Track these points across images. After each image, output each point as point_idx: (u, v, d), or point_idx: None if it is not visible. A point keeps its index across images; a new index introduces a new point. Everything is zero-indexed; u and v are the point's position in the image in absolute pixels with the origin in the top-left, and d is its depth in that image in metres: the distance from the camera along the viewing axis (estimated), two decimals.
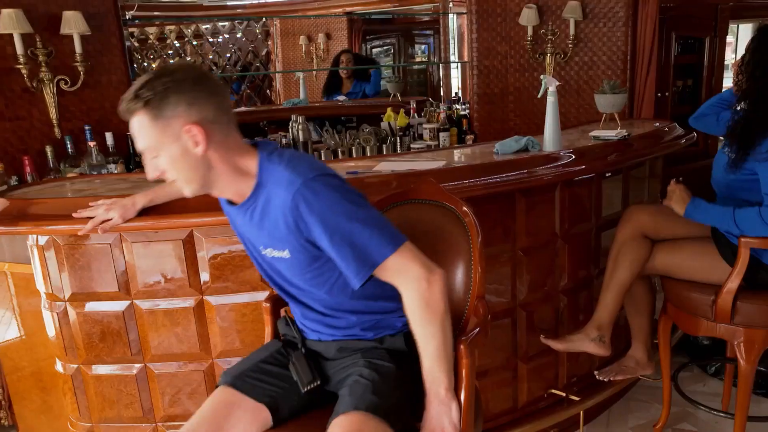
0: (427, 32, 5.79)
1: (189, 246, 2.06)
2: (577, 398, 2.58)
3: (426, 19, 5.63)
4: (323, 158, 3.61)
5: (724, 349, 2.81)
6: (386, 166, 2.35)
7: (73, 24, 3.20)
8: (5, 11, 3.01)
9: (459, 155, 2.70)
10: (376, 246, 1.34)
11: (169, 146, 1.37)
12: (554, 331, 2.56)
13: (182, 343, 2.14)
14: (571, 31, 3.59)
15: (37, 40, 3.14)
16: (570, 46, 3.63)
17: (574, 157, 2.39)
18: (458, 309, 1.68)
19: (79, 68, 3.27)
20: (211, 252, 2.06)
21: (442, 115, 3.81)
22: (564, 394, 2.59)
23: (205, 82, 1.39)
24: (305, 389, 1.55)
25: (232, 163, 1.42)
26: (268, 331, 1.72)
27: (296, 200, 1.34)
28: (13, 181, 3.02)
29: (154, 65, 5.27)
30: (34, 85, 3.17)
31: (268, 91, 6.04)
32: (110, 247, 2.05)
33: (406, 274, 1.37)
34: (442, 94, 5.11)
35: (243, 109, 5.51)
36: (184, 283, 2.08)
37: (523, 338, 2.47)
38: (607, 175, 2.64)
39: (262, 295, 2.06)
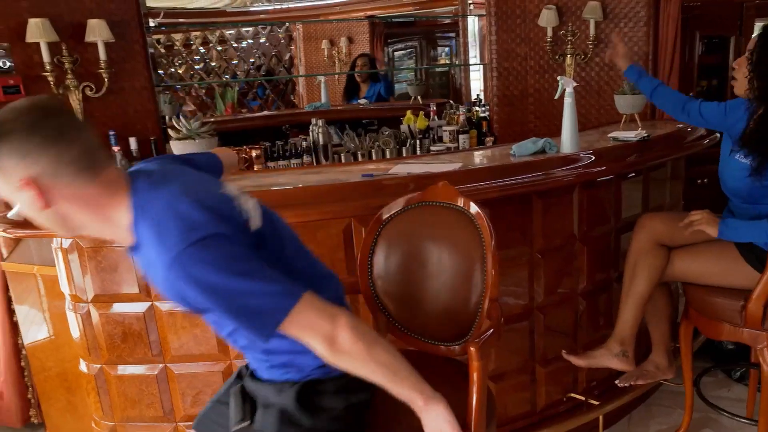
0: (450, 34, 5.79)
1: None
2: (596, 402, 2.56)
3: (447, 21, 5.63)
4: (343, 160, 3.64)
5: (748, 354, 2.76)
6: (402, 169, 2.36)
7: (97, 32, 3.27)
8: (32, 21, 3.08)
9: (477, 157, 2.70)
10: (269, 309, 1.20)
11: (15, 198, 1.21)
12: (573, 335, 2.54)
13: (201, 344, 2.17)
14: (591, 31, 3.56)
15: (63, 48, 3.21)
16: (590, 46, 3.59)
17: (592, 158, 2.37)
18: (471, 311, 1.68)
19: (104, 75, 3.34)
20: None
21: (462, 118, 3.81)
22: (583, 398, 2.57)
23: (43, 129, 1.15)
24: (232, 430, 1.42)
25: (96, 215, 1.23)
26: None
27: (172, 279, 1.16)
28: None
29: (180, 71, 5.36)
30: (61, 92, 3.24)
31: (291, 95, 6.10)
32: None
33: (309, 331, 1.23)
34: (463, 96, 5.11)
35: (266, 113, 5.57)
36: None
37: (540, 341, 2.46)
38: (630, 175, 2.61)
39: None
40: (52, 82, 3.19)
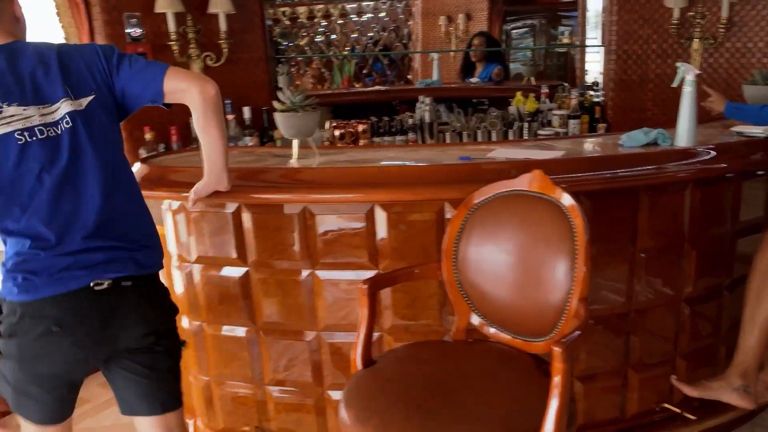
0: (573, 13, 5.53)
1: (302, 220, 2.14)
2: (693, 417, 2.39)
3: None
4: (448, 140, 3.60)
5: None
6: (503, 153, 2.30)
7: (219, 3, 3.42)
8: None
9: (583, 145, 2.57)
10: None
11: None
12: (673, 342, 2.38)
13: (291, 313, 2.24)
14: (724, 13, 3.25)
15: (188, 18, 3.39)
16: (721, 30, 3.29)
17: (712, 154, 2.19)
18: (557, 308, 1.62)
19: (223, 46, 3.50)
20: (322, 228, 2.13)
21: (573, 102, 3.64)
22: (679, 411, 2.41)
23: None
24: None
25: None
26: (364, 313, 1.75)
27: None
28: (161, 147, 3.31)
29: (302, 43, 5.50)
30: (184, 60, 3.42)
31: (407, 71, 6.10)
32: (230, 216, 2.19)
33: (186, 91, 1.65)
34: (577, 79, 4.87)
35: (377, 88, 5.61)
36: (296, 257, 2.18)
37: (636, 345, 2.32)
38: (757, 173, 2.39)
39: (366, 275, 2.11)
40: (176, 51, 3.38)
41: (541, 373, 1.61)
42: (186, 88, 1.64)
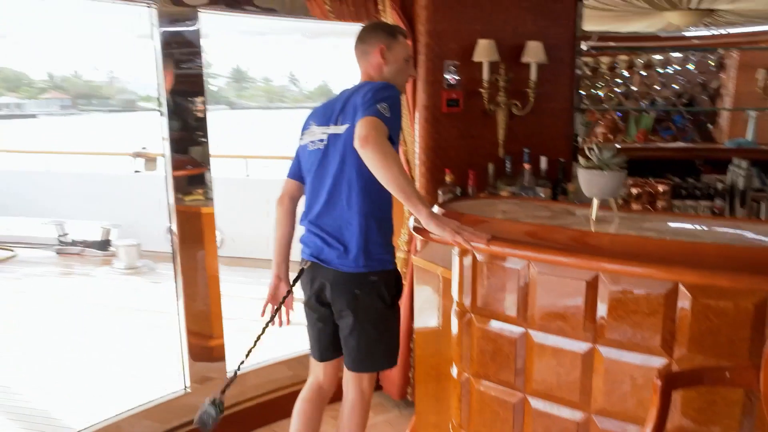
0: None
1: (591, 288, 1.97)
2: None
3: None
4: (764, 211, 3.05)
5: None
6: None
7: (533, 53, 3.41)
8: (481, 42, 3.38)
9: None
10: None
11: None
12: None
13: (563, 385, 2.07)
14: None
15: (501, 67, 3.44)
16: None
17: None
18: None
19: (531, 95, 3.48)
20: (612, 300, 1.93)
21: None
22: None
23: None
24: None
25: None
26: (653, 412, 1.52)
27: None
28: (458, 190, 3.40)
29: (601, 92, 5.26)
30: (491, 108, 3.49)
31: (709, 125, 5.45)
32: (518, 273, 2.12)
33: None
34: None
35: (679, 144, 5.07)
36: (578, 326, 2.01)
37: None
38: None
39: (655, 360, 1.85)
40: (485, 98, 3.45)
41: None
42: (356, 135, 2.02)
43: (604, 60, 5.19)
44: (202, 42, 2.99)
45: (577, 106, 3.71)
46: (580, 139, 3.85)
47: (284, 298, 2.51)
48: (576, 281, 1.99)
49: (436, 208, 2.38)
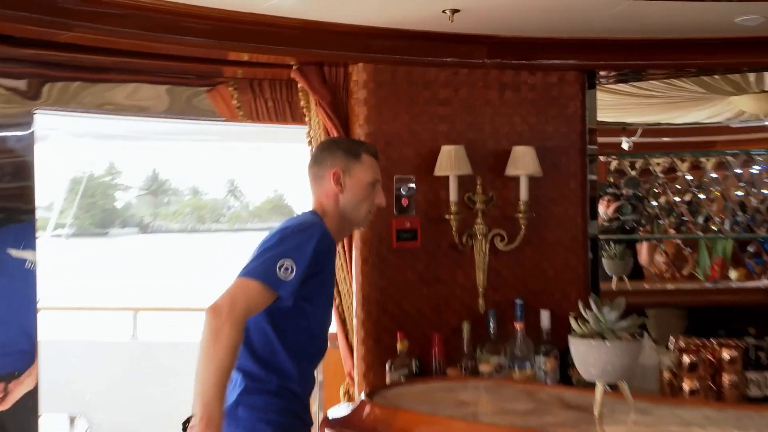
0: None
1: None
2: None
3: None
4: None
5: None
6: None
7: (521, 162, 2.58)
8: (447, 149, 2.62)
9: None
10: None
11: None
12: None
13: None
14: None
15: (477, 183, 2.55)
16: None
17: None
18: None
19: (521, 221, 2.60)
20: None
21: None
22: None
23: None
24: None
25: None
26: None
27: None
28: (414, 366, 2.41)
29: (655, 202, 3.88)
30: (465, 241, 2.60)
31: None
32: None
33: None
34: None
35: (764, 282, 3.80)
36: None
37: None
38: None
39: None
40: (454, 227, 2.55)
41: None
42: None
43: (658, 161, 3.87)
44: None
45: (595, 234, 2.70)
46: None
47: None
48: None
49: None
